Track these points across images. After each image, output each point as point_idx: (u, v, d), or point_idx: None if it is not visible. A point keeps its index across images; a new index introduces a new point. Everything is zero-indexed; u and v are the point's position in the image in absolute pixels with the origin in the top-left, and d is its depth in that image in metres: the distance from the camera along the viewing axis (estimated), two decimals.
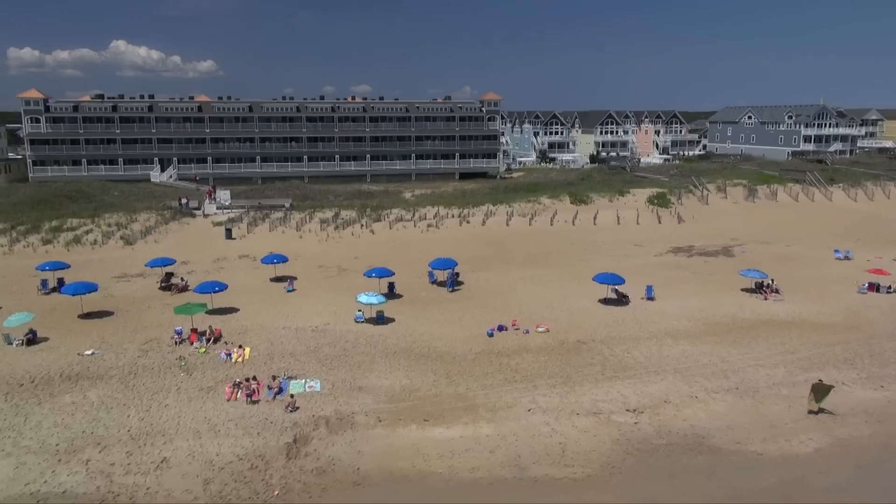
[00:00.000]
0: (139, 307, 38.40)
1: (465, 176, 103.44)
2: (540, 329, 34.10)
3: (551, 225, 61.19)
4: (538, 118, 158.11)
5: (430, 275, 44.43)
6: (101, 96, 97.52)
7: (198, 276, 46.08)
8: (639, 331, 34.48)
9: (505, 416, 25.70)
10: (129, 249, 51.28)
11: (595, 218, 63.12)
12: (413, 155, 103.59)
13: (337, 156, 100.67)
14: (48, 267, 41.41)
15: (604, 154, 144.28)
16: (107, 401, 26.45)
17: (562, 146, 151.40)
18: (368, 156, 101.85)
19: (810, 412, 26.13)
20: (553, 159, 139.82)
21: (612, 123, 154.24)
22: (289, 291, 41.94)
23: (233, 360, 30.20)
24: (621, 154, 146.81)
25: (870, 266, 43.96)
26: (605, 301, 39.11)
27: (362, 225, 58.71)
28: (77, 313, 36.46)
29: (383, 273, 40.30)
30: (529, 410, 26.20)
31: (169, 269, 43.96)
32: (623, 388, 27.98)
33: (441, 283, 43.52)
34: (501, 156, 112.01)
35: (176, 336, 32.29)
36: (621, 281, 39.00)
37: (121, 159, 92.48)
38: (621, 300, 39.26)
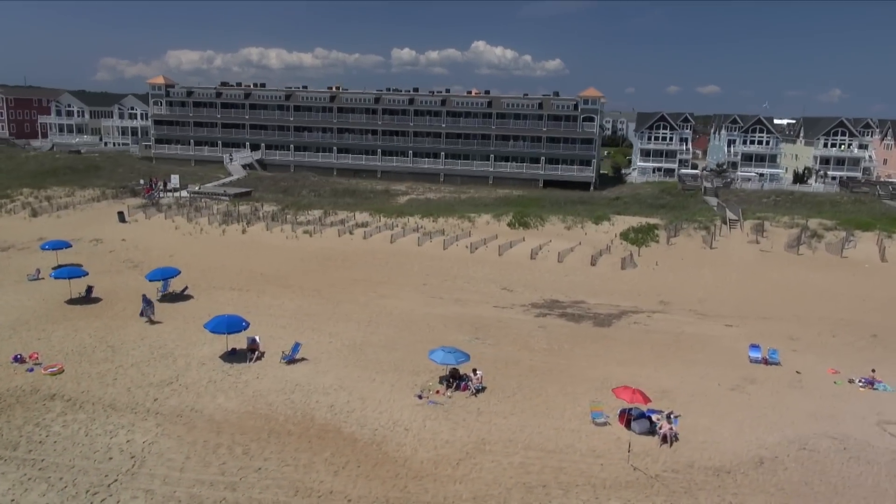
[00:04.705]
0: None
1: (550, 184, 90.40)
2: (50, 370, 27.19)
3: (444, 249, 49.05)
4: (735, 123, 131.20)
5: (165, 285, 39.03)
6: (226, 84, 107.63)
7: (28, 254, 47.67)
8: (178, 400, 25.17)
9: None
10: (28, 221, 55.25)
11: (504, 248, 48.81)
12: (492, 156, 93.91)
13: (411, 151, 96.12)
14: None
15: (821, 172, 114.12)
16: None
17: (762, 158, 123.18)
18: (444, 153, 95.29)
19: None
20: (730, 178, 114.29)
21: (841, 134, 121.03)
22: (30, 280, 40.69)
23: None
24: (848, 174, 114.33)
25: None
26: (231, 354, 29.67)
27: (245, 222, 54.40)
28: None
29: (62, 274, 36.58)
30: None
31: None
32: None
33: (170, 295, 38.17)
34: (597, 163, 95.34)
35: None
36: (242, 328, 29.36)
37: (219, 141, 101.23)
38: (248, 355, 29.49)
